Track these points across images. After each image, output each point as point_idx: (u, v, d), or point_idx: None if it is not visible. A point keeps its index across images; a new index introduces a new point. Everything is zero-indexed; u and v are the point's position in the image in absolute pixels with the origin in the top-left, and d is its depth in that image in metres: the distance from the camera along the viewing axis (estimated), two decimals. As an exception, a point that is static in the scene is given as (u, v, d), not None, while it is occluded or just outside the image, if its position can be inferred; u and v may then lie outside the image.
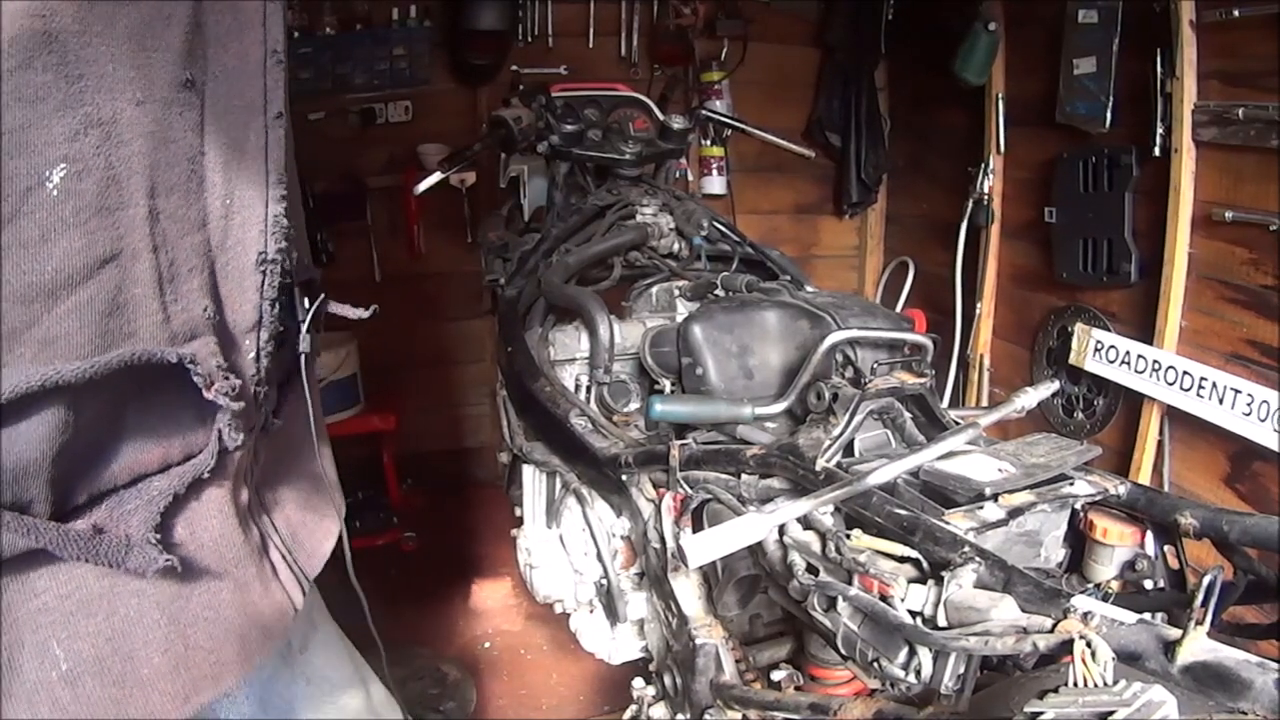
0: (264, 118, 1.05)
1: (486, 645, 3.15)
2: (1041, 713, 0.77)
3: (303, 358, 1.17)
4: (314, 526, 1.28)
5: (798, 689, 1.46)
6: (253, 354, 1.05)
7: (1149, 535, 1.27)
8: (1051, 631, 0.93)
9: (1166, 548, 1.27)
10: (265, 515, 1.17)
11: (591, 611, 2.00)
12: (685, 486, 1.56)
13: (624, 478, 1.73)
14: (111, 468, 0.91)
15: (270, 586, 1.12)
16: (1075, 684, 0.82)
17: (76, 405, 0.82)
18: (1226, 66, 2.52)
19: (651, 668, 1.79)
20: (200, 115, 0.96)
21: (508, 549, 2.35)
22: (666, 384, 1.91)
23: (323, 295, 1.19)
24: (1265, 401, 2.37)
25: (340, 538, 1.35)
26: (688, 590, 1.58)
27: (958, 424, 1.43)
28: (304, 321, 1.15)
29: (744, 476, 1.49)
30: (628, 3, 4.04)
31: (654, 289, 2.22)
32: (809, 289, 2.10)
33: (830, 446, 1.37)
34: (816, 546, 1.24)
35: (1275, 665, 0.82)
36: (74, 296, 0.83)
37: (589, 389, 2.06)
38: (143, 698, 0.93)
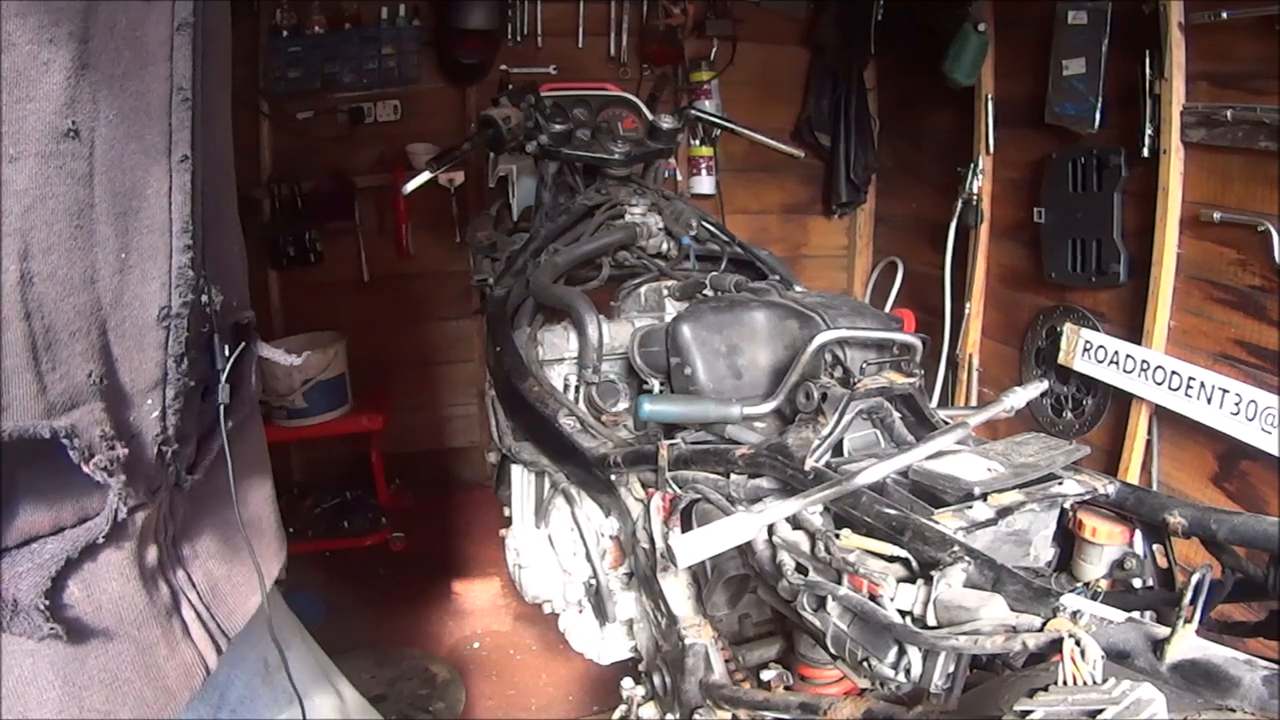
0: (168, 161, 0.98)
1: (475, 645, 3.14)
2: (1031, 711, 0.77)
3: (220, 409, 1.12)
4: (240, 580, 1.23)
5: (787, 688, 1.45)
6: (156, 413, 1.00)
7: (1138, 534, 1.27)
8: (1041, 630, 0.92)
9: (1155, 546, 1.27)
10: (181, 570, 1.12)
11: (580, 611, 1.99)
12: (674, 486, 1.56)
13: (612, 478, 1.72)
14: (1, 530, 0.87)
15: (178, 647, 1.08)
16: (1065, 682, 0.82)
17: None
18: (1215, 68, 2.53)
19: (641, 668, 1.78)
20: (89, 165, 0.89)
21: (496, 549, 2.34)
22: (655, 384, 1.90)
23: (243, 344, 1.14)
24: (1253, 401, 2.38)
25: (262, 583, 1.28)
26: (677, 590, 1.57)
27: (947, 424, 1.43)
28: (222, 372, 1.11)
29: (733, 476, 1.48)
30: (617, 2, 4.05)
31: (643, 289, 2.22)
32: (798, 289, 2.10)
33: (819, 446, 1.37)
34: (806, 546, 1.24)
35: (1263, 663, 0.82)
36: None
37: (577, 389, 2.05)
38: None
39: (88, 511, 0.92)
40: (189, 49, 0.99)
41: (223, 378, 1.11)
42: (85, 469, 0.86)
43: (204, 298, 1.04)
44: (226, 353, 1.12)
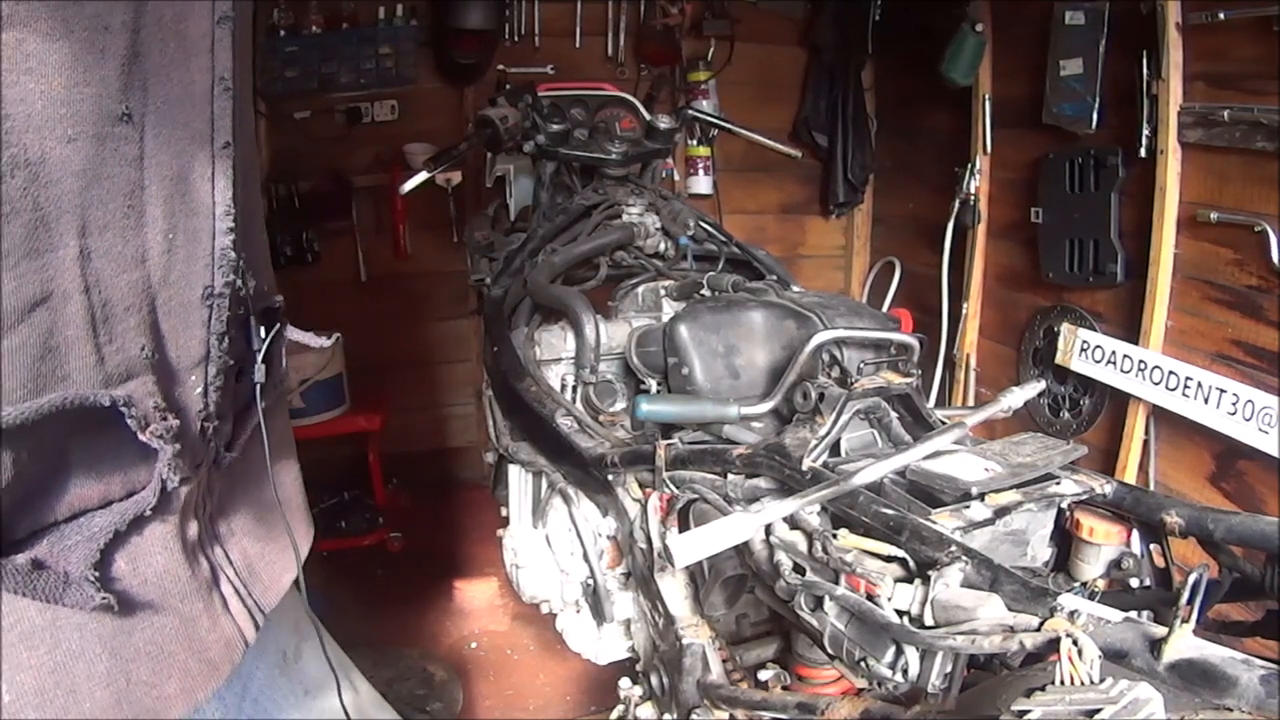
0: (211, 148, 1.03)
1: (473, 645, 3.13)
2: (1029, 711, 0.77)
3: (256, 388, 1.16)
4: (273, 558, 1.27)
5: (785, 688, 1.45)
6: (199, 389, 1.04)
7: (1135, 534, 1.27)
8: (1038, 630, 0.92)
9: (1152, 546, 1.27)
10: (219, 547, 1.16)
11: (578, 611, 1.99)
12: (671, 486, 1.56)
13: (610, 478, 1.72)
14: (52, 503, 0.89)
15: (219, 621, 1.11)
16: (1062, 682, 0.82)
17: (13, 446, 0.81)
18: (1212, 68, 2.53)
19: (638, 668, 1.78)
20: (140, 148, 0.93)
21: (494, 549, 2.34)
22: (652, 384, 1.90)
23: (278, 325, 1.18)
24: (1251, 401, 2.38)
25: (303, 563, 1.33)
26: (674, 590, 1.57)
27: (944, 424, 1.43)
28: (259, 352, 1.15)
29: (730, 476, 1.48)
30: (614, 2, 4.04)
31: (640, 289, 2.22)
32: (795, 289, 2.10)
33: (816, 446, 1.37)
34: (803, 546, 1.24)
35: (1260, 662, 0.82)
36: (5, 341, 0.81)
37: (575, 389, 2.05)
38: None
39: (135, 485, 0.96)
40: (229, 41, 1.04)
41: (259, 358, 1.16)
42: (142, 437, 0.89)
43: (239, 280, 1.08)
44: (263, 334, 1.16)
